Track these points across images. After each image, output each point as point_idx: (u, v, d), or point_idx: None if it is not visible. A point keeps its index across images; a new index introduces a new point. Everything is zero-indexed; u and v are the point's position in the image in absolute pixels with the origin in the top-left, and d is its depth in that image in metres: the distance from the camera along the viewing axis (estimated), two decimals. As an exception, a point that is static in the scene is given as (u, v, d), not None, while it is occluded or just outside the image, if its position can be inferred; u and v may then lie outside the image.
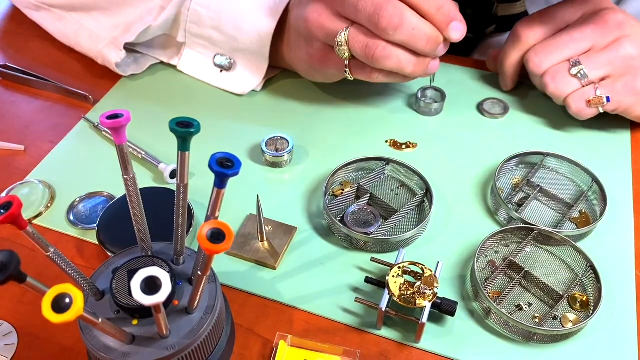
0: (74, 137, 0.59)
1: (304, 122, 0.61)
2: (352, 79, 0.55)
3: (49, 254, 0.35)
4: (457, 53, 0.67)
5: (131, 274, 0.38)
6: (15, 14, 0.76)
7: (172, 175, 0.53)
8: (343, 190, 0.54)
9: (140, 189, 0.50)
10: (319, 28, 0.52)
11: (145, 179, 0.55)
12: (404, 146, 0.58)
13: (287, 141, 0.56)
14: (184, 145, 0.36)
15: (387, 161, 0.54)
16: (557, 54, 0.55)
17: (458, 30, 0.50)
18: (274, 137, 0.56)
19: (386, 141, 0.59)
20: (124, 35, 0.61)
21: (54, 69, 0.68)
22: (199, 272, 0.34)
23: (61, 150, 0.58)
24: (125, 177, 0.38)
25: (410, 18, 0.48)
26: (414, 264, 0.44)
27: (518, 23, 0.59)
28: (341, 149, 0.58)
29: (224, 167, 0.34)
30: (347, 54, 0.51)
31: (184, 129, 0.35)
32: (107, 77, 0.66)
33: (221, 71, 0.64)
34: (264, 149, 0.55)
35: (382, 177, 0.55)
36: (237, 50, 0.62)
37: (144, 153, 0.55)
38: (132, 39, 0.61)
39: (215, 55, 0.63)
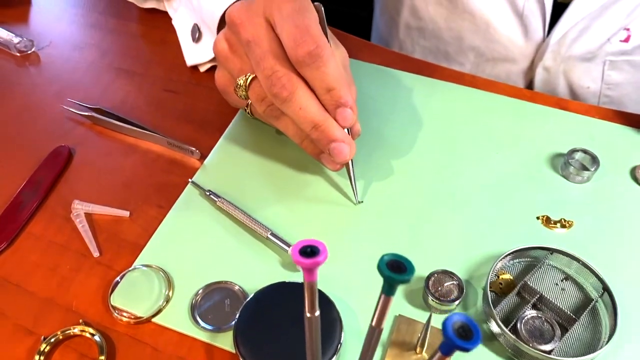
0: (183, 205, 0.52)
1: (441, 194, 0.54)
2: (253, 118, 0.54)
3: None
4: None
5: None
6: (102, 46, 0.69)
7: (306, 260, 0.47)
8: (501, 284, 0.47)
9: (267, 286, 0.44)
10: (225, 58, 0.51)
11: (269, 265, 0.48)
12: (558, 224, 0.51)
13: (454, 277, 0.46)
14: (390, 290, 0.30)
15: (552, 250, 0.47)
16: None
17: (345, 117, 0.46)
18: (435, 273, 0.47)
19: (537, 217, 0.52)
20: None
21: (146, 109, 0.61)
22: None
23: (171, 224, 0.51)
24: (309, 315, 0.31)
25: (300, 96, 0.46)
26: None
27: None
28: (488, 226, 0.51)
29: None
30: (244, 95, 0.50)
31: (398, 276, 0.28)
32: (210, 118, 0.59)
33: (193, 41, 0.64)
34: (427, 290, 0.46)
35: (543, 267, 0.48)
36: (202, 22, 0.62)
37: (270, 232, 0.48)
38: None
39: (193, 25, 0.63)
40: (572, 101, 0.63)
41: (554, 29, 0.72)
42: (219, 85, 0.55)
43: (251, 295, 0.44)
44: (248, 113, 0.53)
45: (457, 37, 0.80)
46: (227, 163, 0.56)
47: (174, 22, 0.67)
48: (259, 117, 0.52)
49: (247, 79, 0.48)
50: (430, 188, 0.54)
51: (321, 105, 0.46)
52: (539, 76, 0.77)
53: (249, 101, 0.51)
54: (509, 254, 0.47)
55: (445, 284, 0.45)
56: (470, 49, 0.81)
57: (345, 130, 0.48)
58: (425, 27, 0.83)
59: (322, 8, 0.49)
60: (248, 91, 0.49)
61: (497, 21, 0.75)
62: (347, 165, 0.51)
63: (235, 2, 0.51)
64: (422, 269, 0.47)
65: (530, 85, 0.80)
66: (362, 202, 0.52)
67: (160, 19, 0.70)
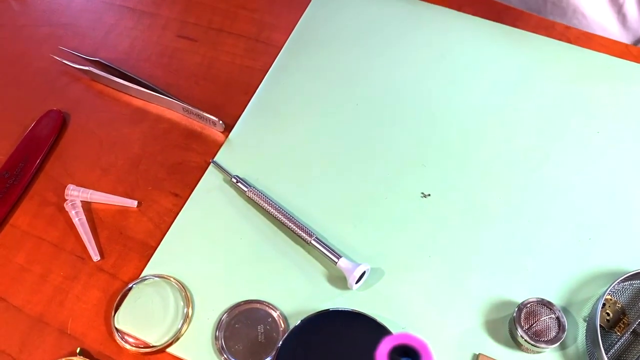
0: (203, 195, 0.42)
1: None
2: None
3: None
4: None
5: None
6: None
7: (360, 279, 0.37)
8: (608, 315, 0.37)
9: (315, 315, 0.34)
10: None
11: (312, 280, 0.38)
12: (678, 233, 0.40)
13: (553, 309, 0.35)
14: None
15: (677, 275, 0.37)
16: None
17: None
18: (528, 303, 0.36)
19: (652, 224, 0.41)
20: None
21: (156, 62, 0.49)
22: None
23: (189, 220, 0.40)
24: None
25: None
26: None
27: None
28: (586, 233, 0.40)
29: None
30: None
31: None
32: (237, 76, 0.47)
33: None
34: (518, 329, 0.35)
35: (663, 294, 0.37)
36: None
37: (314, 237, 0.38)
38: None
39: None
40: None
41: None
42: None
43: (293, 326, 0.34)
44: None
45: None
46: (258, 137, 0.45)
47: None
48: None
49: None
50: (514, 178, 0.43)
51: None
52: None
53: None
54: (622, 279, 0.37)
55: (542, 318, 0.35)
56: None
57: None
58: None
59: None
60: None
61: (589, 6, 0.60)
62: None
63: None
64: (505, 290, 0.37)
65: None
66: (429, 195, 0.42)
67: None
